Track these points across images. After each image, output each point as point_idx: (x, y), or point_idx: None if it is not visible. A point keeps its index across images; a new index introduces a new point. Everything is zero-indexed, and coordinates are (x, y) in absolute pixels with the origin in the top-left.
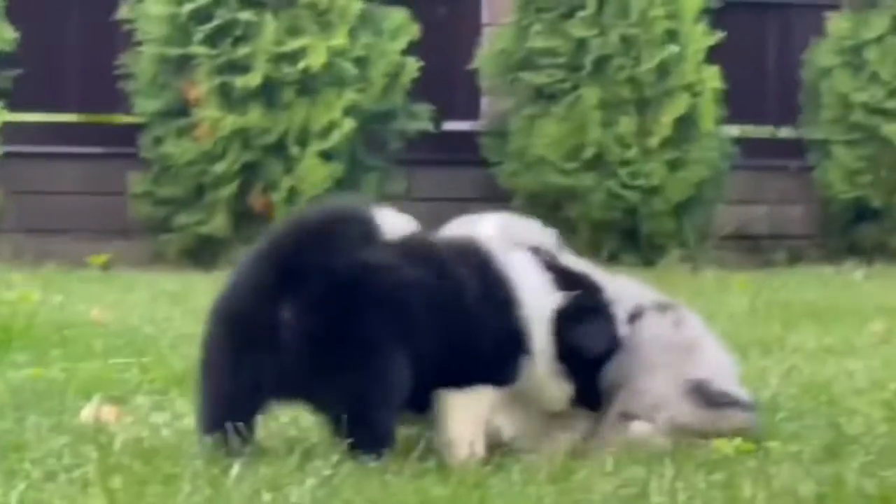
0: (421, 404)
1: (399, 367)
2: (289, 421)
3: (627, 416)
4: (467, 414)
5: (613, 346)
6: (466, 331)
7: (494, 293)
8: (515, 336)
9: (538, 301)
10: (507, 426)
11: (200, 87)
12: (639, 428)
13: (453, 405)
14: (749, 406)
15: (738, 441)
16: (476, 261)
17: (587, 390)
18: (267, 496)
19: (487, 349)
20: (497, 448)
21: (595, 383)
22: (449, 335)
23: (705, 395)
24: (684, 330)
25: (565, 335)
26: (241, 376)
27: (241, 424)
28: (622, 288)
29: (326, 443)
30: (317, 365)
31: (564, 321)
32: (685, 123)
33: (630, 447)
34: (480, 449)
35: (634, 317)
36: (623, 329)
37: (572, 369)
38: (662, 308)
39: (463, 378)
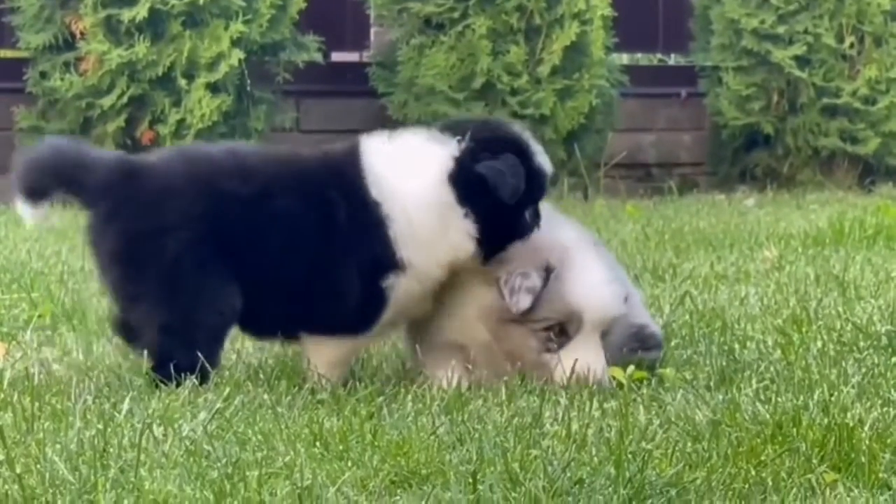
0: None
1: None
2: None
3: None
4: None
5: (518, 181)
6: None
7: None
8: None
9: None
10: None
11: (86, 20)
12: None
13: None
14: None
15: (631, 368)
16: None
17: (499, 232)
18: (158, 430)
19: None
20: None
21: (507, 223)
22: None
23: (642, 339)
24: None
25: (465, 176)
26: None
27: None
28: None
29: (218, 375)
30: None
31: (461, 163)
32: (575, 51)
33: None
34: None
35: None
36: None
37: (479, 212)
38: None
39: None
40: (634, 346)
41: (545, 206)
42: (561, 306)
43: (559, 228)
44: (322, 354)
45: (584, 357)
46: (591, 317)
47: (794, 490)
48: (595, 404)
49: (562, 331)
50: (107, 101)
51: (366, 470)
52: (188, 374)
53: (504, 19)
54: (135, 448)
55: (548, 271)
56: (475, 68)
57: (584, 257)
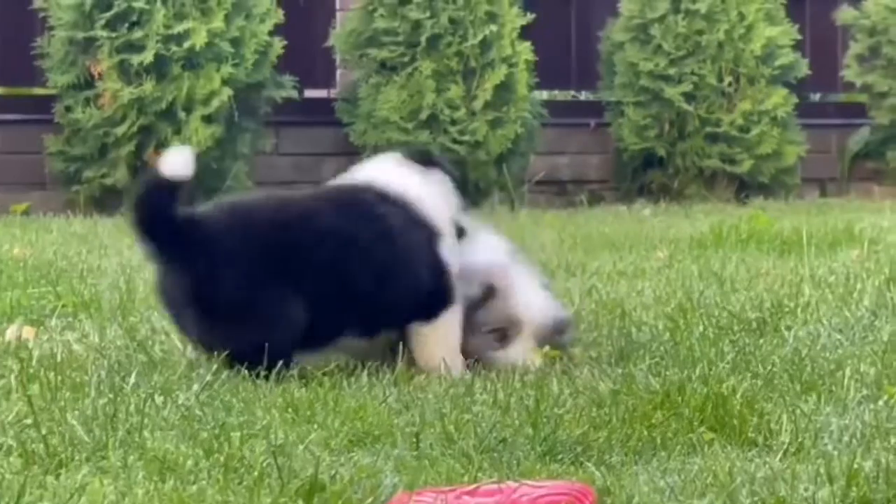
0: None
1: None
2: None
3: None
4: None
5: None
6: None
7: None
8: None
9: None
10: None
11: (103, 63)
12: (516, 352)
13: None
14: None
15: (546, 348)
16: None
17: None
18: (159, 399)
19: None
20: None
21: None
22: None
23: (559, 328)
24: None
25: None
26: None
27: None
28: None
29: (208, 357)
30: None
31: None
32: (504, 89)
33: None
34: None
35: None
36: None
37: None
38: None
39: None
40: (550, 331)
41: (483, 228)
42: (504, 317)
43: (495, 249)
44: (442, 342)
45: (521, 355)
46: (528, 325)
47: (679, 447)
48: (517, 377)
49: (503, 336)
50: (120, 130)
51: (328, 431)
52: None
53: (446, 63)
54: (139, 414)
55: (490, 289)
56: (422, 103)
57: (519, 276)
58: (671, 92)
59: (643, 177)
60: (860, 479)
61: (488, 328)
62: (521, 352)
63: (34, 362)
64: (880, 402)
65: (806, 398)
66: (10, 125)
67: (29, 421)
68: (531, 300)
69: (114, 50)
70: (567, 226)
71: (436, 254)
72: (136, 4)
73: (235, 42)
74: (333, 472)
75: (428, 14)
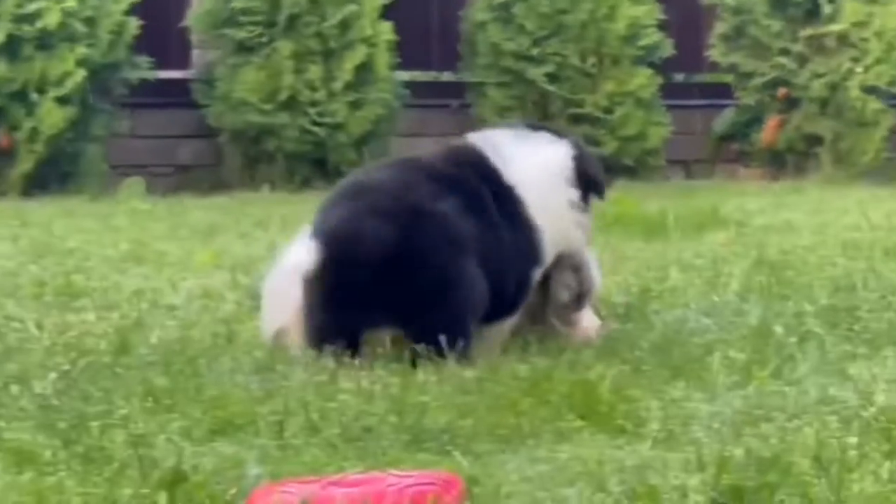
0: None
1: None
2: (34, 324)
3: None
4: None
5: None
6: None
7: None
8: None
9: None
10: None
11: None
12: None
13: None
14: None
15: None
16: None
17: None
18: (15, 388)
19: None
20: None
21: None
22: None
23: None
24: None
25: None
26: None
27: None
28: None
29: (65, 343)
30: None
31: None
32: (364, 70)
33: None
34: None
35: None
36: None
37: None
38: None
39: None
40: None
41: None
42: (585, 284)
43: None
44: (500, 340)
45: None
46: (596, 292)
47: (547, 435)
48: (382, 365)
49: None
50: None
51: (190, 420)
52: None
53: (305, 43)
54: None
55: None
56: (281, 84)
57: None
58: (534, 73)
59: None
60: (730, 467)
61: (573, 293)
62: (592, 317)
63: None
64: (749, 388)
65: (675, 384)
66: None
67: None
68: (594, 269)
69: None
70: None
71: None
72: None
73: (89, 22)
74: (195, 462)
75: None
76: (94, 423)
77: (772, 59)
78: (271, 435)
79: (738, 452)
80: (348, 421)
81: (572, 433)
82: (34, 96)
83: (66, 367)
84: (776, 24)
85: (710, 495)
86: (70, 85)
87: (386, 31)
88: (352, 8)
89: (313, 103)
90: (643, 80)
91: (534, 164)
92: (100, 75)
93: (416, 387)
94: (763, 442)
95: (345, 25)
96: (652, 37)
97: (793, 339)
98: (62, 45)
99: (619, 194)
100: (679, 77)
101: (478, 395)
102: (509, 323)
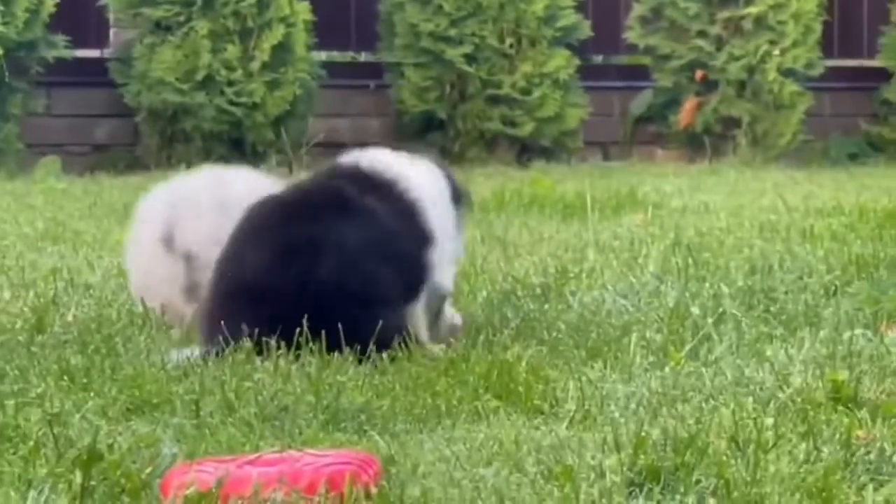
0: None
1: None
2: None
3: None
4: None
5: None
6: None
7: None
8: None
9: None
10: None
11: None
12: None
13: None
14: None
15: None
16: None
17: None
18: None
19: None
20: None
21: None
22: None
23: None
24: None
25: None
26: None
27: None
28: None
29: None
30: None
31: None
32: (281, 50)
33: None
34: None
35: None
36: None
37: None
38: None
39: None
40: None
41: None
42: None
43: None
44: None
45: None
46: None
47: (464, 415)
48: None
49: None
50: None
51: (106, 399)
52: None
53: (222, 22)
54: None
55: None
56: (198, 63)
57: None
58: (452, 53)
59: (424, 139)
60: (647, 447)
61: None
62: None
63: None
64: (666, 369)
65: (592, 365)
66: None
67: None
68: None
69: None
70: None
71: None
72: None
73: (6, 0)
74: (111, 441)
75: None
76: (10, 402)
77: (689, 41)
78: (187, 414)
79: (655, 433)
80: (265, 400)
81: (489, 413)
82: None
83: None
84: (693, 7)
85: (626, 475)
86: None
87: (304, 11)
88: None
89: (231, 83)
90: (561, 62)
91: (427, 181)
92: (16, 53)
93: (332, 366)
94: (680, 422)
95: (262, 5)
96: (570, 18)
97: (709, 321)
98: None
99: (537, 175)
100: (597, 59)
101: (394, 374)
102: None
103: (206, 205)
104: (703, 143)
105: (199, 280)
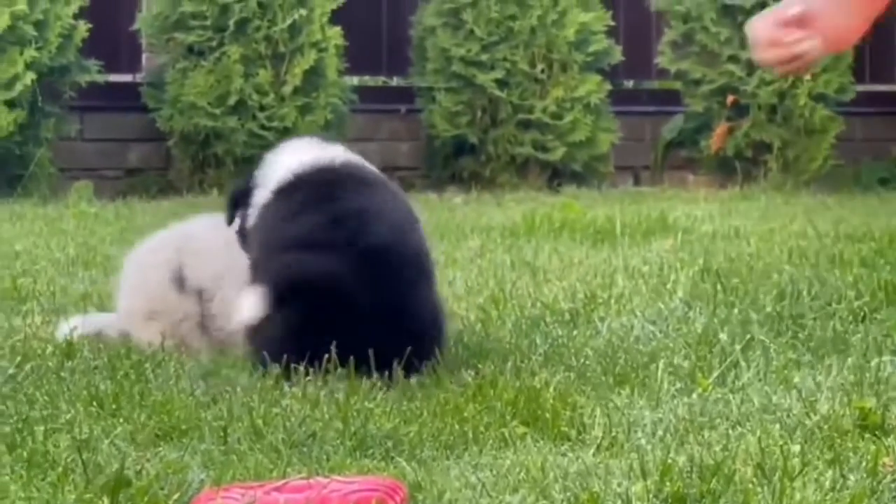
0: None
1: None
2: None
3: None
4: None
5: None
6: None
7: None
8: None
9: None
10: None
11: None
12: None
13: None
14: None
15: None
16: None
17: None
18: None
19: None
20: None
21: None
22: None
23: None
24: None
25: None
26: None
27: None
28: None
29: (11, 347)
30: None
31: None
32: (313, 74)
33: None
34: None
35: None
36: None
37: None
38: None
39: None
40: None
41: None
42: None
43: None
44: None
45: None
46: None
47: (491, 442)
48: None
49: None
50: None
51: (134, 425)
52: None
53: (254, 47)
54: None
55: None
56: (230, 88)
57: None
58: (483, 78)
59: (454, 164)
60: (674, 474)
61: None
62: None
63: None
64: (694, 396)
65: (619, 391)
66: None
67: None
68: None
69: None
70: None
71: None
72: None
73: (39, 25)
74: (139, 467)
75: None
76: (39, 428)
77: (720, 66)
78: (215, 440)
79: (681, 460)
80: (293, 426)
81: (516, 439)
82: None
83: (12, 370)
84: (725, 32)
85: (652, 502)
86: (19, 88)
87: (336, 36)
88: (301, 12)
89: (262, 107)
90: (592, 87)
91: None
92: (49, 78)
93: (361, 392)
94: (706, 449)
95: (294, 29)
96: (601, 43)
97: (737, 347)
98: (11, 49)
99: (567, 200)
100: (628, 84)
101: (422, 401)
102: None
103: (213, 242)
104: (734, 168)
105: (212, 313)
